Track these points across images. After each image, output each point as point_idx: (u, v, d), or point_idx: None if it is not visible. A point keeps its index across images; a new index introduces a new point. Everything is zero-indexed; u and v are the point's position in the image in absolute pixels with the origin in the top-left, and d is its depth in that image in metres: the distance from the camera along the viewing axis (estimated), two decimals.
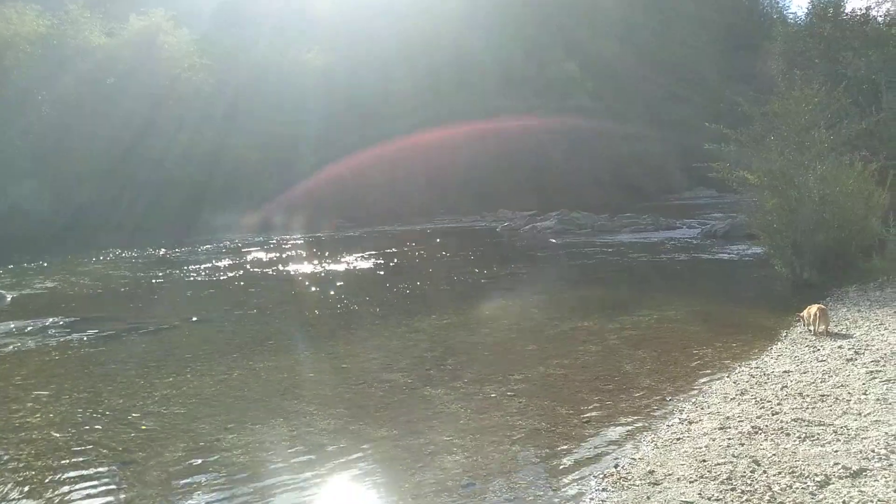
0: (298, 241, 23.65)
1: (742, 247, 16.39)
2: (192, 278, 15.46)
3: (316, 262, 17.71)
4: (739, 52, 46.81)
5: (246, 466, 5.17)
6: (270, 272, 16.14)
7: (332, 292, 13.38)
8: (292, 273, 15.97)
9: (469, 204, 34.39)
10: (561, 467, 4.88)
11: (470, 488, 4.61)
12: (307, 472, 5.04)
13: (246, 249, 21.19)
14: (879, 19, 20.85)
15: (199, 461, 5.27)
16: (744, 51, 46.26)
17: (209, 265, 17.54)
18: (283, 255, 19.52)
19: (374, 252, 19.41)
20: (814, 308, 7.77)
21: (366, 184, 34.09)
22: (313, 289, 14.02)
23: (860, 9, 20.76)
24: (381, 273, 15.71)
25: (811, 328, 7.74)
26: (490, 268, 15.78)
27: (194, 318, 10.82)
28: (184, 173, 29.38)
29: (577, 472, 4.75)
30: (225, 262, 18.14)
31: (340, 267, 16.59)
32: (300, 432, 5.85)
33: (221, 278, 15.41)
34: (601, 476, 4.57)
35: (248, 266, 17.29)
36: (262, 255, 19.81)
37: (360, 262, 17.37)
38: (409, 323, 10.10)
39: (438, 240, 23.27)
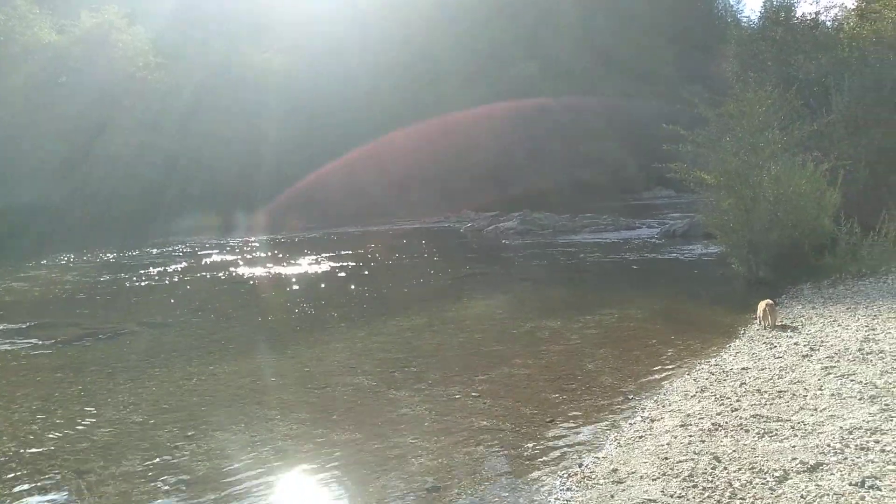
0: (259, 244, 23.31)
1: (700, 246, 16.70)
2: (148, 282, 15.11)
3: (277, 264, 17.48)
4: (695, 54, 47.79)
5: (206, 474, 5.06)
6: (230, 275, 15.87)
7: (293, 295, 13.22)
8: (253, 276, 15.73)
9: (432, 205, 34.36)
10: (525, 467, 4.89)
11: (434, 491, 4.59)
12: (269, 478, 4.96)
13: (205, 252, 20.81)
14: (828, 24, 21.48)
15: (158, 470, 5.14)
16: (699, 52, 47.26)
17: (166, 269, 17.18)
18: (243, 258, 19.22)
19: (336, 254, 19.25)
20: (762, 304, 8.05)
21: (328, 185, 33.83)
22: (274, 292, 13.83)
23: (810, 14, 21.27)
24: (344, 275, 15.57)
25: (762, 323, 8.00)
26: (454, 269, 15.78)
27: (152, 323, 10.60)
28: (140, 174, 28.76)
29: (541, 472, 4.76)
30: (183, 266, 17.79)
31: (302, 269, 16.40)
32: (262, 438, 5.75)
33: (179, 282, 15.11)
34: (565, 475, 4.59)
35: (207, 269, 16.97)
36: (221, 257, 19.48)
37: (322, 264, 17.19)
38: (373, 325, 10.03)
39: (402, 241, 23.19)
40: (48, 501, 4.73)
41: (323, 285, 14.28)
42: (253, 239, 24.61)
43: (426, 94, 39.55)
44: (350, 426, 5.91)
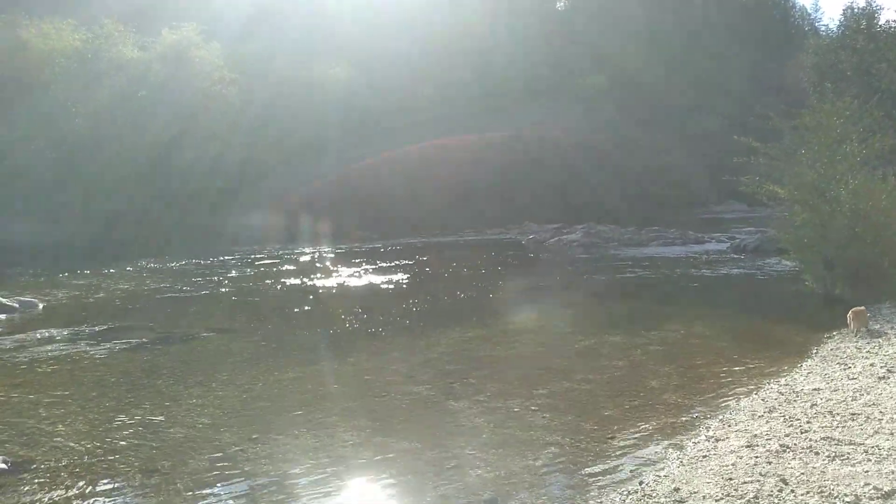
0: (323, 254, 23.81)
1: (772, 262, 16.14)
2: (218, 290, 15.64)
3: (340, 274, 17.82)
4: (769, 64, 46.41)
5: (269, 477, 5.20)
6: (294, 284, 16.27)
7: (355, 305, 13.44)
8: (316, 285, 16.07)
9: (494, 217, 34.37)
10: (584, 483, 4.84)
11: (492, 503, 4.59)
12: (330, 483, 5.06)
13: (270, 261, 21.40)
14: None
15: (224, 471, 5.31)
16: (774, 62, 45.86)
17: (234, 276, 17.75)
18: (307, 267, 19.67)
19: (397, 264, 19.48)
20: (852, 310, 8.35)
21: (389, 195, 34.31)
22: (337, 301, 14.10)
23: (895, 21, 20.38)
24: (405, 286, 15.75)
25: (852, 327, 8.27)
26: (514, 281, 15.74)
27: (221, 329, 10.95)
28: (212, 185, 29.86)
29: (600, 489, 4.70)
30: (250, 274, 18.35)
31: (364, 279, 16.67)
32: (323, 443, 5.87)
33: (247, 290, 15.58)
34: (625, 493, 4.51)
35: (272, 277, 17.45)
36: (286, 266, 19.99)
37: (383, 274, 17.43)
38: (433, 336, 10.10)
39: (463, 252, 23.29)
40: (116, 498, 4.94)
41: (384, 296, 14.48)
42: (316, 249, 25.15)
43: (490, 106, 39.66)
44: (408, 435, 5.97)
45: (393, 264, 19.46)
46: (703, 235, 23.38)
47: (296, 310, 13.14)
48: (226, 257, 22.52)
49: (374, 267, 18.88)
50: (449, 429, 6.11)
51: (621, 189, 38.80)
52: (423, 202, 34.57)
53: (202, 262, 21.19)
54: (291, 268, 19.60)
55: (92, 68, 30.13)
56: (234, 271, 18.82)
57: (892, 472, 4.05)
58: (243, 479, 5.17)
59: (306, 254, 23.69)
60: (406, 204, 34.24)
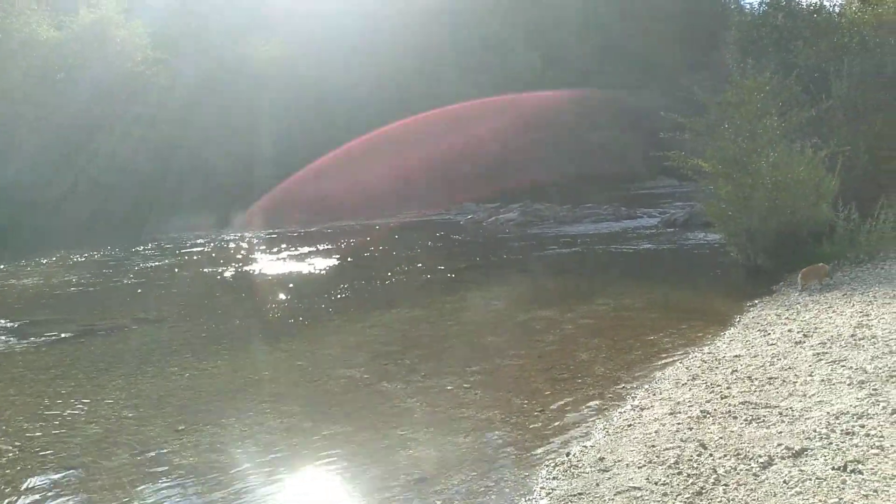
0: (257, 238, 23.32)
1: (700, 234, 16.63)
2: (144, 279, 15.09)
3: (274, 258, 17.48)
4: (699, 42, 47.37)
5: (194, 468, 5.06)
6: (226, 271, 15.86)
7: (288, 290, 13.20)
8: (249, 271, 15.71)
9: (433, 197, 34.28)
10: (513, 457, 4.88)
11: (421, 482, 4.58)
12: (256, 470, 4.97)
13: (201, 248, 20.83)
14: (833, 10, 21.28)
15: (147, 465, 5.15)
16: (703, 41, 46.86)
17: (162, 265, 17.19)
18: (240, 253, 19.22)
19: (335, 247, 19.24)
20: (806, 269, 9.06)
21: (328, 178, 33.76)
22: (269, 287, 13.77)
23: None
24: (342, 269, 15.56)
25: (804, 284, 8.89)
26: (451, 261, 15.74)
27: (146, 320, 10.59)
28: (138, 170, 28.74)
29: (528, 462, 4.75)
30: (178, 262, 17.81)
31: (300, 263, 16.38)
32: (252, 431, 5.76)
33: (175, 278, 15.10)
34: (552, 465, 4.57)
35: (202, 265, 16.97)
36: (217, 253, 19.49)
37: (320, 257, 17.18)
38: (368, 318, 10.02)
39: (400, 234, 23.17)
40: (35, 496, 4.73)
41: (319, 280, 14.26)
42: (250, 234, 24.60)
43: (426, 86, 39.41)
44: (340, 419, 5.91)
45: (330, 247, 19.20)
46: (635, 211, 23.87)
47: (227, 297, 12.82)
48: (152, 245, 21.78)
49: (310, 250, 18.58)
50: (381, 410, 6.07)
51: (558, 167, 39.20)
52: (361, 184, 34.17)
53: (126, 250, 20.42)
54: (223, 254, 19.10)
55: (2, 48, 28.43)
56: (160, 259, 18.22)
57: (803, 432, 4.22)
58: (167, 472, 5.02)
59: (239, 239, 23.15)
60: (343, 186, 33.76)
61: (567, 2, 46.24)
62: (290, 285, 13.61)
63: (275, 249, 19.37)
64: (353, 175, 34.45)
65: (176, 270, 16.16)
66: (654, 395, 5.67)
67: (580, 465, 4.44)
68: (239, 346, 8.90)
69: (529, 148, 39.86)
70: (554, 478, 4.35)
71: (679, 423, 4.80)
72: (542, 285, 12.54)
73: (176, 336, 9.53)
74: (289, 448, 5.36)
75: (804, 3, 22.02)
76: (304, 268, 15.63)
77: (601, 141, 42.41)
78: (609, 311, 9.43)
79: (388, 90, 38.00)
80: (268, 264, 16.48)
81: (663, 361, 6.77)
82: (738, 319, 8.14)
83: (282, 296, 12.49)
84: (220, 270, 15.86)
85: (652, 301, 10.02)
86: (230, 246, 21.23)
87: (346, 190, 33.45)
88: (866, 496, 3.25)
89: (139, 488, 4.77)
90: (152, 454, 5.34)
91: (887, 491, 3.26)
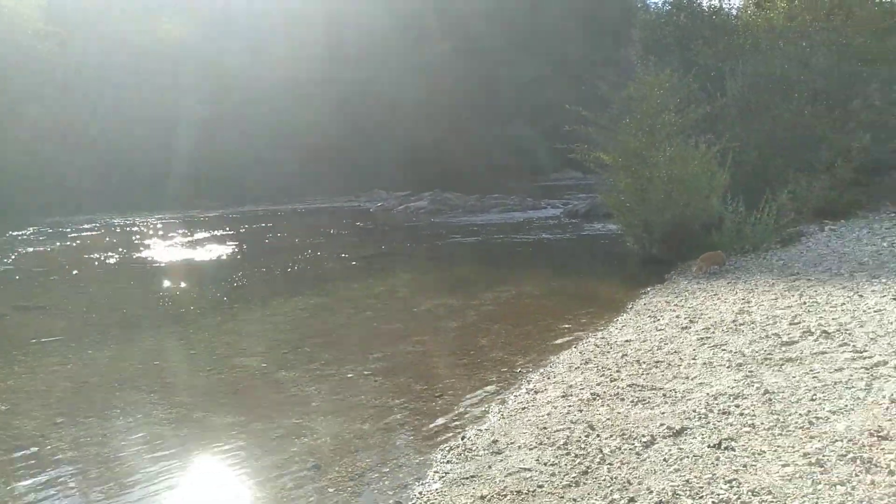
0: (155, 223, 22.31)
1: (600, 225, 17.18)
2: (26, 264, 14.16)
3: (171, 244, 16.79)
4: (607, 39, 48.80)
5: (74, 463, 4.79)
6: (119, 256, 15.09)
7: (185, 276, 12.71)
8: (143, 257, 14.99)
9: (343, 184, 33.90)
10: (408, 443, 4.87)
11: (314, 470, 4.49)
12: (142, 465, 4.73)
13: (95, 233, 19.74)
14: (732, 12, 22.41)
15: (22, 461, 4.82)
16: (611, 37, 48.32)
17: (49, 250, 16.17)
18: (136, 238, 18.34)
19: (237, 233, 18.68)
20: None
21: (236, 162, 32.74)
22: (164, 273, 13.21)
23: (715, 1, 22.07)
24: (242, 255, 15.11)
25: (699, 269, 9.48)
26: (359, 249, 15.59)
27: (26, 308, 9.94)
28: (36, 152, 26.96)
29: (424, 447, 4.75)
30: (68, 247, 16.81)
31: (198, 249, 15.80)
32: (137, 423, 5.49)
33: (68, 263, 14.23)
34: (447, 449, 4.59)
35: (94, 251, 16.07)
36: (113, 238, 18.53)
37: (220, 243, 16.63)
38: (268, 306, 9.78)
39: (307, 220, 22.78)
40: None
41: (216, 266, 13.80)
42: (153, 218, 23.53)
43: (337, 71, 38.79)
44: (233, 409, 5.72)
45: (231, 233, 18.62)
46: (540, 202, 24.44)
47: (117, 283, 12.17)
48: (40, 228, 20.46)
49: (210, 236, 17.95)
50: (277, 399, 5.93)
51: (468, 157, 39.55)
52: (270, 169, 33.32)
53: (9, 235, 19.09)
54: (118, 239, 18.17)
55: None
56: (48, 245, 17.13)
57: (684, 413, 4.41)
58: (44, 467, 4.72)
59: (137, 223, 22.08)
60: (252, 171, 32.82)
61: None
62: (186, 272, 13.10)
63: (173, 234, 18.60)
64: (262, 159, 33.59)
65: (65, 256, 15.23)
66: (549, 378, 5.80)
67: (474, 448, 4.47)
68: (127, 334, 8.46)
69: (440, 136, 39.99)
70: (448, 461, 4.37)
71: (570, 406, 4.93)
72: (449, 273, 12.61)
73: (58, 324, 8.98)
74: (177, 440, 5.14)
75: (704, 5, 23.12)
76: (201, 254, 15.08)
77: (510, 132, 43.09)
78: (510, 298, 9.58)
79: (298, 73, 37.13)
80: (164, 250, 15.80)
81: (559, 346, 6.94)
82: (630, 306, 8.45)
83: (176, 283, 12.00)
84: (112, 256, 15.06)
85: (552, 288, 10.26)
86: (127, 230, 20.23)
87: (254, 174, 32.58)
88: (736, 471, 3.43)
89: (12, 486, 4.46)
90: (27, 450, 5.00)
91: (755, 465, 3.45)
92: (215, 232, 18.84)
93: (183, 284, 11.84)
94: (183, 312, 9.66)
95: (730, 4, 22.17)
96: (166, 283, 12.02)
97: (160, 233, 19.52)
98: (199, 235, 18.25)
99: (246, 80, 35.43)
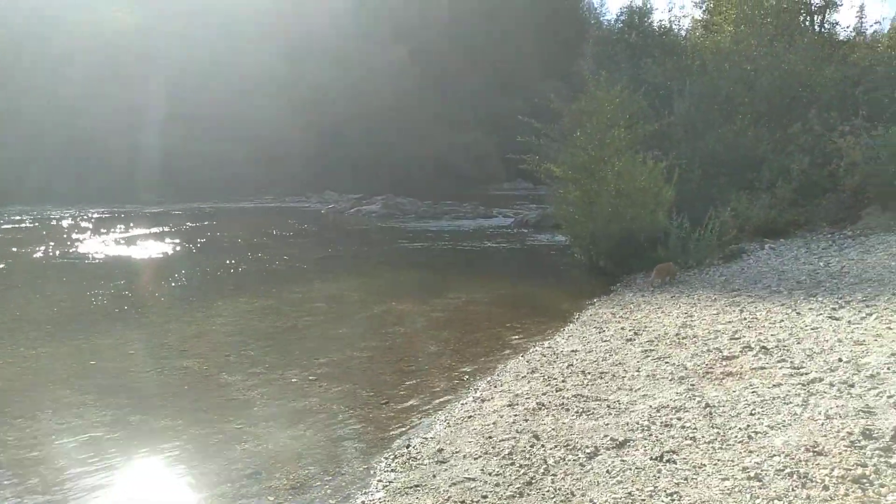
0: (92, 216, 21.58)
1: (549, 236, 17.37)
2: None
3: (112, 240, 16.26)
4: (560, 52, 49.54)
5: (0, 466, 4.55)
6: (52, 250, 14.53)
7: (125, 274, 12.31)
8: (80, 252, 14.47)
9: (294, 184, 33.51)
10: (353, 450, 4.80)
11: (255, 477, 4.39)
12: (73, 468, 4.54)
13: (28, 226, 18.97)
14: (682, 33, 23.08)
15: None
16: (564, 51, 49.07)
17: None
18: (71, 232, 17.70)
19: (182, 230, 18.22)
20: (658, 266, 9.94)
21: (185, 156, 31.98)
22: (102, 270, 12.76)
23: (664, 21, 22.76)
24: (187, 253, 14.74)
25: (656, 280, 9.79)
26: (308, 251, 15.39)
27: None
28: None
29: (368, 455, 4.69)
30: (3, 240, 16.10)
31: (140, 245, 15.35)
32: (70, 425, 5.27)
33: None
34: (392, 457, 4.55)
35: (26, 245, 15.44)
36: (44, 231, 17.83)
37: (164, 240, 16.19)
38: (213, 307, 9.54)
39: (257, 219, 22.38)
40: None
41: (159, 264, 13.44)
42: (83, 211, 22.74)
43: (294, 70, 38.39)
44: (172, 412, 5.55)
45: (176, 229, 18.15)
46: (491, 210, 24.62)
47: (51, 279, 11.72)
48: None
49: (154, 232, 17.46)
50: (218, 403, 5.77)
51: (421, 163, 39.58)
52: (220, 165, 32.68)
53: None
54: (52, 232, 17.50)
55: None
56: None
57: (628, 424, 4.47)
58: None
59: (76, 217, 21.31)
60: (202, 166, 32.11)
61: (435, 2, 46.70)
62: (125, 269, 12.71)
63: (113, 229, 18.04)
64: (212, 155, 32.93)
65: None
66: (496, 387, 5.81)
67: (419, 457, 4.44)
68: (61, 332, 8.14)
69: (395, 141, 39.93)
70: (392, 470, 4.33)
71: (516, 415, 4.94)
72: (399, 278, 12.56)
73: None
74: (112, 443, 4.95)
75: (656, 25, 23.74)
76: (142, 251, 14.66)
77: (463, 141, 43.29)
78: (460, 305, 9.59)
79: (252, 71, 36.61)
80: (103, 245, 15.30)
81: (507, 355, 6.97)
82: (577, 316, 8.56)
83: (114, 280, 11.58)
84: (46, 250, 14.49)
85: (501, 297, 10.31)
86: (64, 224, 19.50)
87: (204, 170, 31.92)
88: (678, 484, 3.49)
89: None
90: None
91: (696, 479, 3.51)
92: (159, 228, 18.34)
93: (121, 282, 11.44)
94: (120, 311, 9.34)
95: (679, 26, 22.81)
96: (103, 280, 11.59)
97: (100, 227, 18.88)
98: (141, 231, 17.73)
99: (199, 77, 34.75)
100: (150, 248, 15.07)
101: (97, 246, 15.23)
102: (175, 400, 5.86)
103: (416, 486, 4.01)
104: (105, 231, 17.97)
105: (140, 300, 10.04)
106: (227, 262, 13.44)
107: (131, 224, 19.44)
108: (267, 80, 36.89)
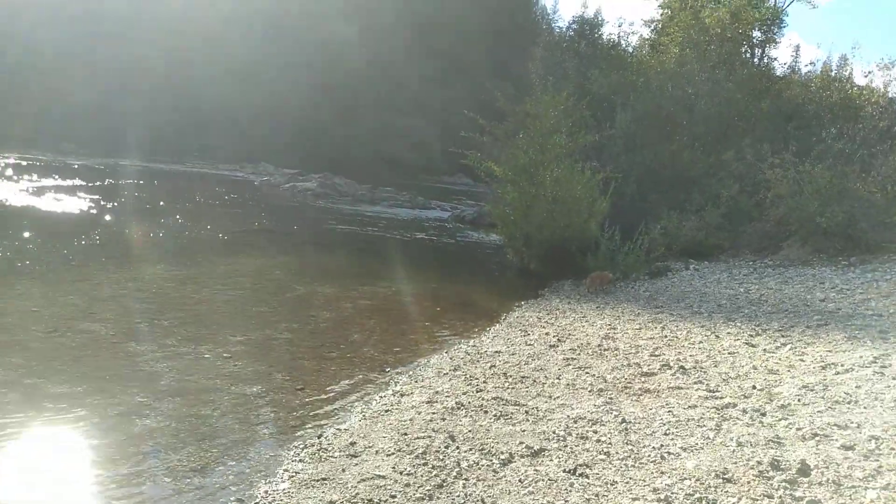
0: (4, 162, 20.31)
1: (483, 234, 17.42)
2: None
3: (19, 189, 15.31)
4: (510, 52, 49.80)
5: None
6: None
7: (36, 227, 11.59)
8: None
9: (230, 151, 32.48)
10: (261, 436, 4.62)
11: (155, 455, 4.15)
12: None
13: None
14: (629, 49, 23.49)
15: None
16: (514, 52, 49.35)
17: None
18: None
19: (104, 186, 17.35)
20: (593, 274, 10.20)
21: (116, 111, 30.53)
22: (11, 220, 12.00)
23: (614, 35, 23.08)
24: (106, 211, 14.02)
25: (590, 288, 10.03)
26: (237, 222, 14.91)
27: None
28: None
29: (277, 442, 4.52)
30: None
31: (55, 199, 14.50)
32: None
33: None
34: (301, 447, 4.39)
35: None
36: None
37: (83, 195, 15.36)
38: (128, 270, 9.08)
39: (187, 184, 21.55)
40: None
41: (71, 219, 12.74)
42: (4, 156, 21.38)
43: (238, 40, 37.19)
44: (72, 378, 5.21)
45: (97, 185, 17.25)
46: (429, 202, 24.52)
47: None
48: None
49: (69, 185, 16.55)
50: (122, 373, 5.46)
51: (362, 144, 39.10)
52: (152, 124, 31.31)
53: None
54: None
55: None
56: None
57: (544, 433, 4.45)
58: None
59: None
60: (133, 122, 30.69)
61: None
62: (36, 222, 11.97)
63: (26, 178, 16.99)
64: (145, 112, 31.57)
65: None
66: (416, 382, 5.72)
67: (330, 449, 4.30)
68: None
69: (336, 119, 39.31)
70: (301, 460, 4.17)
71: (434, 413, 4.86)
72: (329, 261, 12.30)
73: None
74: (1, 406, 4.60)
75: (605, 37, 24.08)
76: (56, 204, 13.86)
77: (407, 127, 43.02)
78: (388, 295, 9.45)
79: (190, 31, 35.26)
80: (12, 195, 14.36)
81: (431, 350, 6.90)
82: (504, 317, 8.57)
83: (19, 231, 10.86)
84: None
85: (430, 290, 10.22)
86: None
87: (134, 127, 30.50)
88: (588, 500, 3.47)
89: None
90: None
91: (607, 496, 3.51)
92: (76, 181, 17.39)
93: (29, 234, 10.76)
94: (24, 266, 8.75)
95: (628, 42, 23.21)
96: (11, 231, 10.88)
97: (10, 175, 17.76)
98: (56, 183, 16.77)
99: (140, 32, 33.23)
100: (65, 202, 14.27)
101: (5, 194, 14.30)
102: (76, 365, 5.51)
103: (324, 479, 3.87)
104: (15, 179, 16.91)
105: (48, 256, 9.43)
106: (148, 225, 12.86)
107: (47, 175, 18.37)
108: (208, 44, 35.63)
